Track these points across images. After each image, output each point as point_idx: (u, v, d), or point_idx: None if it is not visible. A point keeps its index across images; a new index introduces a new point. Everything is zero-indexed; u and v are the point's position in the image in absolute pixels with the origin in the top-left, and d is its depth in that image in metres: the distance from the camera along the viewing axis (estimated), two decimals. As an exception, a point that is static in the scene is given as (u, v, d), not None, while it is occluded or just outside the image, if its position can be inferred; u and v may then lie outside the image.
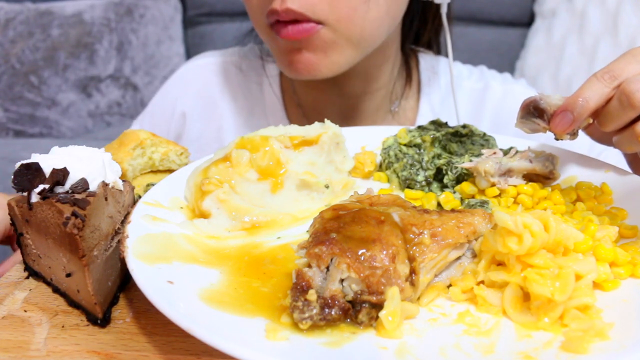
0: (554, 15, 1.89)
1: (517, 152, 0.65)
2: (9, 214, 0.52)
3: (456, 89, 1.02)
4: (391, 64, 0.99)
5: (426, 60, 1.07)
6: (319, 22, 0.79)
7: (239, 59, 1.10)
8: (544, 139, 0.74)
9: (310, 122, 1.02)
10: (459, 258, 0.50)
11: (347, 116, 1.01)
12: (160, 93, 1.15)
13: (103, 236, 0.49)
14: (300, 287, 0.44)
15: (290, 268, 0.50)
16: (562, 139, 0.60)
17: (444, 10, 0.92)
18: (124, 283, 0.54)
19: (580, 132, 0.61)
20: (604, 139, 0.65)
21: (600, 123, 0.59)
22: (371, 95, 1.00)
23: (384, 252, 0.45)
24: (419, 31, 1.03)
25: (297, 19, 0.78)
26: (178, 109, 1.11)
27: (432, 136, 0.70)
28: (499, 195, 0.63)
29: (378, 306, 0.44)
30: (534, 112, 0.60)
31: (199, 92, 1.10)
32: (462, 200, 0.65)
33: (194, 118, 1.10)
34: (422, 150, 0.70)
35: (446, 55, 1.06)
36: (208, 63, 1.12)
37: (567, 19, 1.84)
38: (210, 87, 1.10)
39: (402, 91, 1.03)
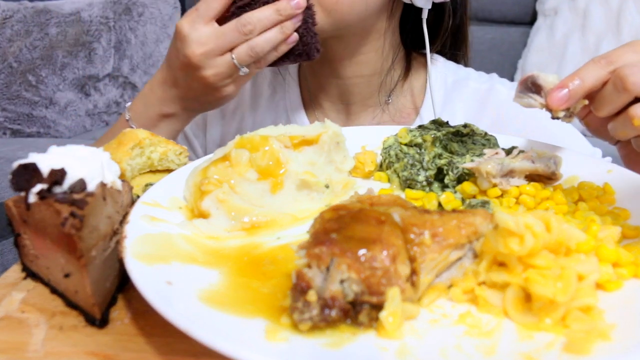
0: (557, 14, 1.88)
1: (519, 152, 0.65)
2: (7, 215, 0.52)
3: (461, 88, 1.06)
4: (380, 54, 1.04)
5: (437, 64, 1.10)
6: None
7: None
8: (544, 140, 0.74)
9: (316, 103, 1.11)
10: (460, 258, 0.50)
11: (344, 98, 1.09)
12: None
13: (101, 236, 0.49)
14: (300, 288, 0.44)
15: (290, 269, 0.50)
16: (557, 117, 0.62)
17: (424, 15, 0.96)
18: (123, 284, 0.54)
19: (579, 128, 0.62)
20: (600, 131, 0.67)
21: (596, 108, 0.61)
22: (363, 79, 1.05)
23: (385, 253, 0.45)
24: (433, 35, 1.07)
25: None
26: None
27: (433, 136, 0.69)
28: (501, 195, 0.62)
29: (378, 307, 0.43)
30: (531, 88, 0.62)
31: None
32: (463, 200, 0.64)
33: None
34: (422, 150, 0.69)
35: (458, 62, 1.12)
36: None
37: (570, 18, 1.84)
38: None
39: (393, 84, 1.07)
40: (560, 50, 1.83)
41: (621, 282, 0.47)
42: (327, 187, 0.66)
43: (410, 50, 1.08)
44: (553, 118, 0.62)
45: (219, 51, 0.83)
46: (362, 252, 0.45)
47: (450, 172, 0.66)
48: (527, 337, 0.42)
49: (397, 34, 1.05)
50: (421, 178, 0.68)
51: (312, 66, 1.09)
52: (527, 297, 0.45)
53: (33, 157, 0.50)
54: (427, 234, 0.47)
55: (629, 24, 1.69)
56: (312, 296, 0.43)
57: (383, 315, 0.42)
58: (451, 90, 1.07)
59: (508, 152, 0.67)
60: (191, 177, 0.64)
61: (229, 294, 0.47)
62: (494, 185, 0.62)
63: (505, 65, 2.00)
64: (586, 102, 0.61)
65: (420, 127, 0.74)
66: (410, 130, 0.72)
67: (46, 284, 0.54)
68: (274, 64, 0.88)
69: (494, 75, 1.12)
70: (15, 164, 0.48)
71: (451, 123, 0.74)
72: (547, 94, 0.61)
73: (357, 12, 0.92)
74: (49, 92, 2.01)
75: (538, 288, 0.43)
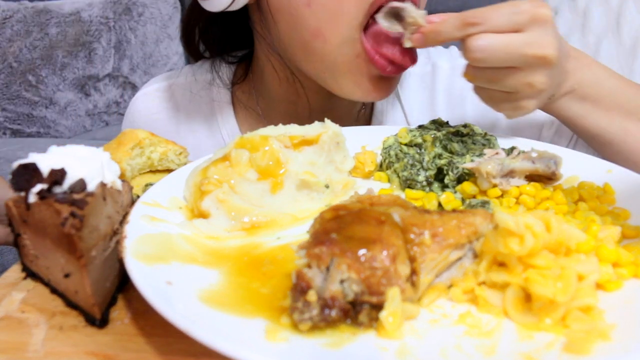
0: (557, 14, 1.88)
1: (519, 152, 0.65)
2: (7, 215, 0.52)
3: (405, 78, 1.01)
4: None
5: None
6: None
7: (189, 80, 1.06)
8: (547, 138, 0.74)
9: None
10: (460, 258, 0.50)
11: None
12: (123, 127, 1.12)
13: (101, 236, 0.49)
14: (300, 288, 0.44)
15: (290, 269, 0.50)
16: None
17: None
18: (123, 284, 0.54)
19: None
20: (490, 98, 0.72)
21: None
22: (350, 103, 0.99)
23: (385, 253, 0.45)
24: None
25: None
26: None
27: (432, 136, 0.69)
28: (501, 195, 0.62)
29: (378, 307, 0.43)
30: (395, 16, 0.71)
31: (149, 121, 1.07)
32: (463, 200, 0.64)
33: None
34: (422, 150, 0.69)
35: None
36: (157, 89, 1.09)
37: (570, 18, 1.83)
38: (162, 113, 1.07)
39: None
40: (560, 50, 1.83)
41: (621, 282, 0.47)
42: (327, 187, 0.66)
43: None
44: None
45: None
46: (362, 252, 0.45)
47: (450, 172, 0.66)
48: (527, 337, 0.42)
49: None
50: (421, 178, 0.68)
51: (296, 107, 0.96)
52: (527, 297, 0.45)
53: (33, 157, 0.50)
54: (427, 234, 0.47)
55: (629, 24, 1.69)
56: (312, 296, 0.43)
57: (383, 315, 0.42)
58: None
59: (508, 152, 0.67)
60: (191, 177, 0.63)
61: (229, 294, 0.47)
62: (494, 186, 0.62)
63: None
64: None
65: (420, 127, 0.74)
66: (410, 130, 0.72)
67: (46, 284, 0.54)
68: None
69: (429, 49, 1.05)
70: (15, 164, 0.48)
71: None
72: (407, 28, 0.70)
73: None
74: (49, 92, 2.01)
75: (538, 288, 0.43)
